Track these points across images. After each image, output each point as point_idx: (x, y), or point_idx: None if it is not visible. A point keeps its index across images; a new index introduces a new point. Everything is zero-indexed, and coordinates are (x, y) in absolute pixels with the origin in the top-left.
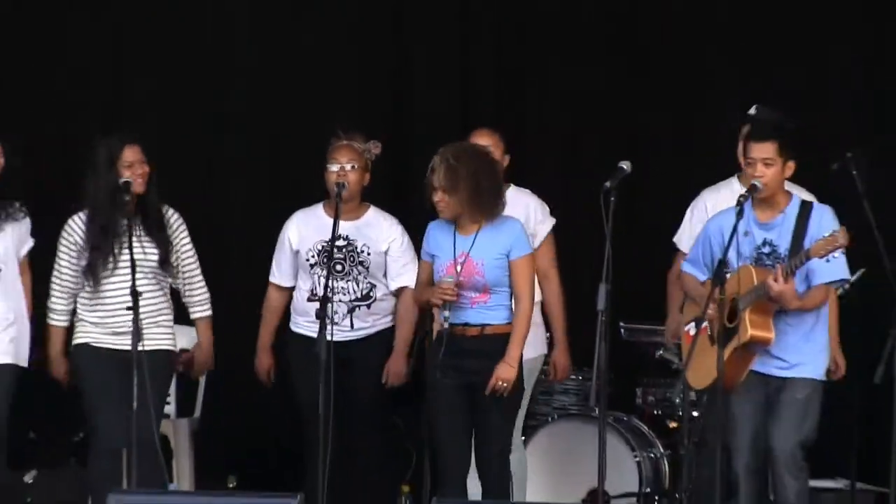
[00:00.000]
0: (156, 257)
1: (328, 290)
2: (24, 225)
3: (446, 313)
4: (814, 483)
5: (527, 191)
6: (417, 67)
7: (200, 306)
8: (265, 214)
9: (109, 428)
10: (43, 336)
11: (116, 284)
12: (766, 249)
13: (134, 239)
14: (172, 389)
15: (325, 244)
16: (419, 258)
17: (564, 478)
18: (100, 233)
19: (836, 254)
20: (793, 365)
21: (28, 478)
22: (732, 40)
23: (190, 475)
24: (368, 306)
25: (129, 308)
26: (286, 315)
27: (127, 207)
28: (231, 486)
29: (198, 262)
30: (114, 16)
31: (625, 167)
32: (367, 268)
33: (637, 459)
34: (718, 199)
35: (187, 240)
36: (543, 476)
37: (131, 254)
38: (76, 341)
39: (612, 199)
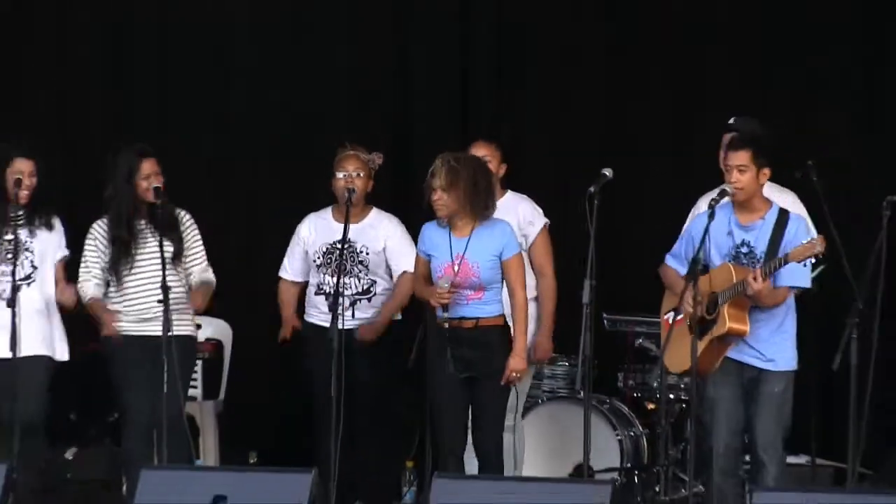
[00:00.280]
0: (170, 254)
1: (339, 285)
2: (58, 233)
3: (444, 314)
4: None
5: (523, 196)
6: (417, 67)
7: (201, 274)
8: (271, 212)
9: (139, 408)
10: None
11: (138, 278)
12: (745, 250)
13: (152, 239)
14: (199, 374)
15: (330, 245)
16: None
17: (553, 454)
18: (119, 236)
19: (811, 262)
20: (769, 359)
21: (68, 455)
22: (732, 40)
23: (215, 452)
24: (369, 300)
25: (159, 301)
26: (300, 304)
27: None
28: (252, 461)
29: (204, 254)
30: (113, 15)
31: (607, 174)
32: (367, 266)
33: (619, 437)
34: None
35: (196, 235)
36: (535, 452)
37: (162, 254)
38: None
39: (595, 202)
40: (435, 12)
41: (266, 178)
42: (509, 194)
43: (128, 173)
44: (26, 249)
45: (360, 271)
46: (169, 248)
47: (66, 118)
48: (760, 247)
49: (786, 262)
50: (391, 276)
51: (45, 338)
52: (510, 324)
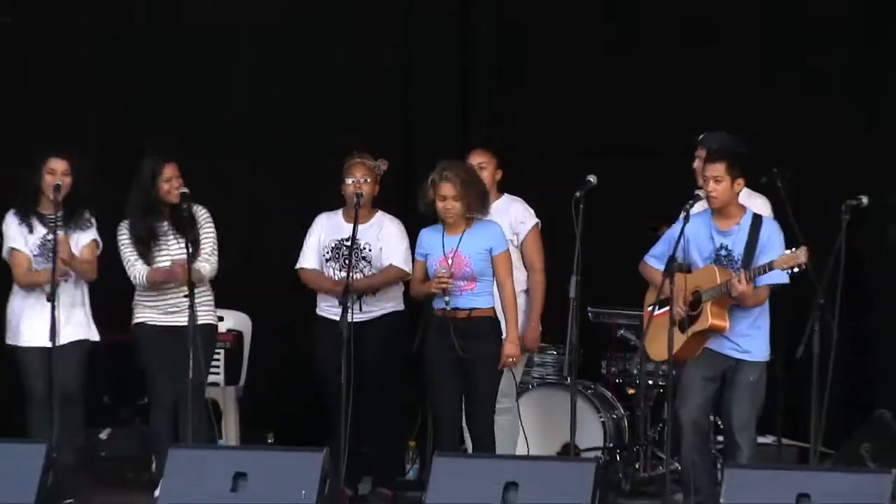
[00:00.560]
0: (189, 251)
1: (349, 280)
2: (92, 232)
3: (447, 299)
4: None
5: (516, 198)
6: (417, 67)
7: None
8: (271, 211)
9: (165, 392)
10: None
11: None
12: (724, 252)
13: (172, 237)
14: (221, 362)
15: (338, 242)
16: (413, 251)
17: (543, 434)
18: (140, 235)
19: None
20: (745, 350)
21: (103, 435)
22: (732, 40)
23: (235, 432)
24: (374, 293)
25: (185, 296)
26: (312, 299)
27: (183, 214)
28: (269, 441)
29: (215, 245)
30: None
31: (591, 180)
32: (370, 262)
33: (602, 419)
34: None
35: (209, 228)
36: (526, 433)
37: (187, 252)
38: (135, 321)
39: (581, 206)
40: (435, 12)
41: (266, 178)
42: (504, 196)
43: (150, 177)
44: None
45: (364, 266)
46: (190, 248)
47: (66, 118)
48: (738, 250)
49: (770, 269)
50: None
51: (80, 324)
52: (499, 317)
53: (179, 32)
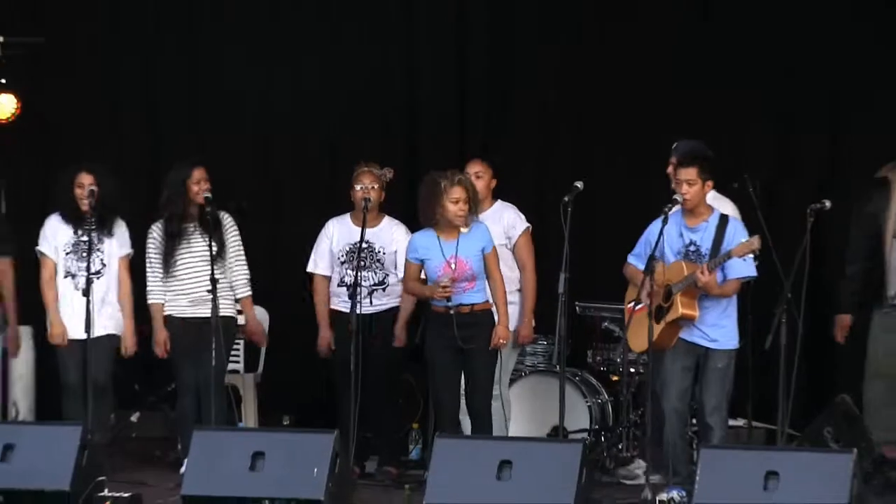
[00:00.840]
0: (215, 249)
1: (358, 278)
2: (121, 236)
3: (449, 302)
4: None
5: (509, 205)
6: (422, 86)
7: (241, 288)
8: (288, 216)
9: (190, 379)
10: (148, 313)
11: (190, 270)
12: (693, 248)
13: (201, 238)
14: (241, 352)
15: (352, 245)
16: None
17: (534, 417)
18: (171, 232)
19: (751, 256)
20: (713, 339)
21: (133, 418)
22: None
23: (254, 416)
24: (384, 290)
25: (208, 291)
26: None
27: (206, 213)
28: (285, 423)
29: (242, 255)
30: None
31: (579, 186)
32: (383, 263)
33: (588, 404)
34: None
35: (236, 236)
36: (519, 416)
37: (210, 252)
38: (163, 313)
39: (569, 210)
40: (436, 41)
41: (282, 186)
42: (498, 203)
43: (182, 180)
44: (97, 249)
45: (378, 267)
46: (213, 247)
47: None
48: (705, 245)
49: (729, 258)
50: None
51: (110, 318)
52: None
53: (199, 48)
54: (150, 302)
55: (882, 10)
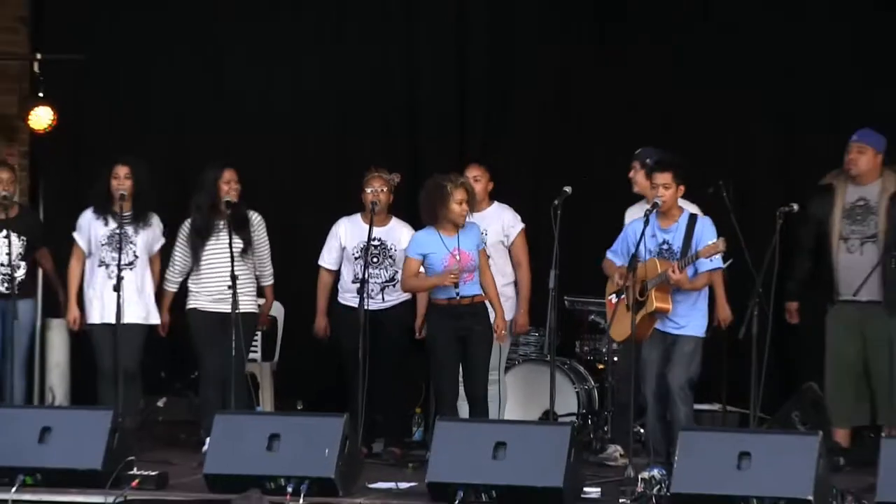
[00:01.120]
0: (240, 247)
1: (366, 275)
2: (155, 229)
3: (457, 291)
4: (696, 406)
5: (506, 206)
6: (423, 92)
7: (266, 278)
8: (302, 216)
9: (213, 368)
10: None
11: (214, 266)
12: (665, 247)
13: (225, 237)
14: (259, 342)
15: (365, 244)
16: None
17: (527, 403)
18: (199, 228)
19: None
20: (682, 326)
21: (160, 403)
22: (717, 69)
23: (270, 401)
24: (394, 286)
25: (228, 287)
26: (334, 290)
27: (228, 214)
28: (299, 408)
29: (268, 251)
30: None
31: (567, 190)
32: (395, 260)
33: (576, 390)
34: (633, 213)
35: (263, 234)
36: (513, 401)
37: (231, 250)
38: (188, 307)
39: (559, 212)
40: (437, 48)
41: (296, 187)
42: (495, 204)
43: (212, 181)
44: (130, 242)
45: (389, 264)
46: (238, 244)
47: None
48: (677, 244)
49: (696, 259)
50: None
51: (140, 308)
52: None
53: (183, 38)
54: (165, 288)
55: (882, 10)
